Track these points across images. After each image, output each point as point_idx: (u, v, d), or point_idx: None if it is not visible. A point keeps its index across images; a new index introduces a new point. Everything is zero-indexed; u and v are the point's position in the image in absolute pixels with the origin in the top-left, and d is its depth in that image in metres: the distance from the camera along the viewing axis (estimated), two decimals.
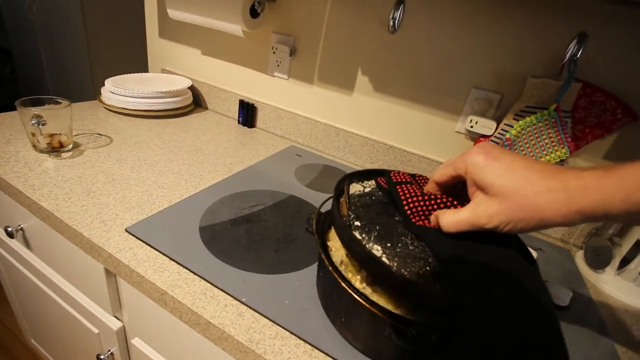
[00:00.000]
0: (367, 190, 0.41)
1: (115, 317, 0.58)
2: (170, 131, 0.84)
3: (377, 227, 0.34)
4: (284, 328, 0.38)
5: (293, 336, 0.38)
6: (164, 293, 0.41)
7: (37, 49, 1.74)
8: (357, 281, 0.37)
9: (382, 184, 0.40)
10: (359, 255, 0.33)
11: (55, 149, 0.64)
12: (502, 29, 0.65)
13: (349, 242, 0.34)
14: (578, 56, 0.59)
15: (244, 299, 0.41)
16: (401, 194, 0.35)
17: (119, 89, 0.85)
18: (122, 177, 0.61)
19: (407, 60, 0.76)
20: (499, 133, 0.67)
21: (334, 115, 0.88)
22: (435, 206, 0.33)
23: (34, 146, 0.64)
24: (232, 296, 0.41)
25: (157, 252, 0.46)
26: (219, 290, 0.42)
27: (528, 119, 0.62)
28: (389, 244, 0.32)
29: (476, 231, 0.29)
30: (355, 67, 0.81)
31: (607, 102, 0.61)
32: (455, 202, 0.32)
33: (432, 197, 0.33)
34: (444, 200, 0.33)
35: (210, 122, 0.96)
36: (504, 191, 0.27)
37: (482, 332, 0.26)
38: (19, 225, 0.64)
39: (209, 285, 0.42)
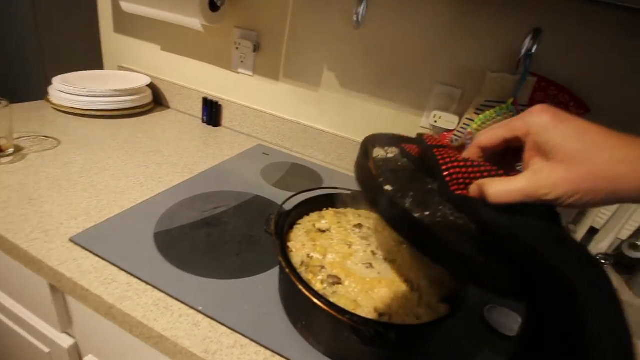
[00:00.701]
0: (389, 156, 0.36)
1: (66, 333, 0.54)
2: (126, 132, 0.79)
3: (411, 193, 0.29)
4: (243, 335, 0.37)
5: (253, 343, 0.36)
6: (112, 307, 0.38)
7: None
8: (317, 282, 0.36)
9: (410, 151, 0.35)
10: (398, 222, 0.29)
11: None
12: (463, 25, 0.66)
13: (386, 207, 0.29)
14: (533, 51, 0.60)
15: (200, 308, 0.38)
16: (439, 157, 0.30)
17: (68, 87, 0.79)
18: (69, 182, 0.56)
19: (372, 56, 0.75)
20: (461, 127, 0.68)
21: (302, 112, 0.87)
22: (478, 174, 0.28)
23: None
24: (187, 305, 0.39)
25: (105, 262, 0.42)
26: (174, 300, 0.39)
27: (487, 112, 0.63)
28: (426, 212, 0.27)
29: (524, 204, 0.24)
30: (321, 63, 0.80)
31: (560, 95, 0.63)
32: (501, 172, 0.27)
33: (475, 163, 0.28)
34: (488, 168, 0.28)
35: (171, 121, 0.91)
36: (576, 157, 0.23)
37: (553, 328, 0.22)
38: None
39: (162, 295, 0.40)
